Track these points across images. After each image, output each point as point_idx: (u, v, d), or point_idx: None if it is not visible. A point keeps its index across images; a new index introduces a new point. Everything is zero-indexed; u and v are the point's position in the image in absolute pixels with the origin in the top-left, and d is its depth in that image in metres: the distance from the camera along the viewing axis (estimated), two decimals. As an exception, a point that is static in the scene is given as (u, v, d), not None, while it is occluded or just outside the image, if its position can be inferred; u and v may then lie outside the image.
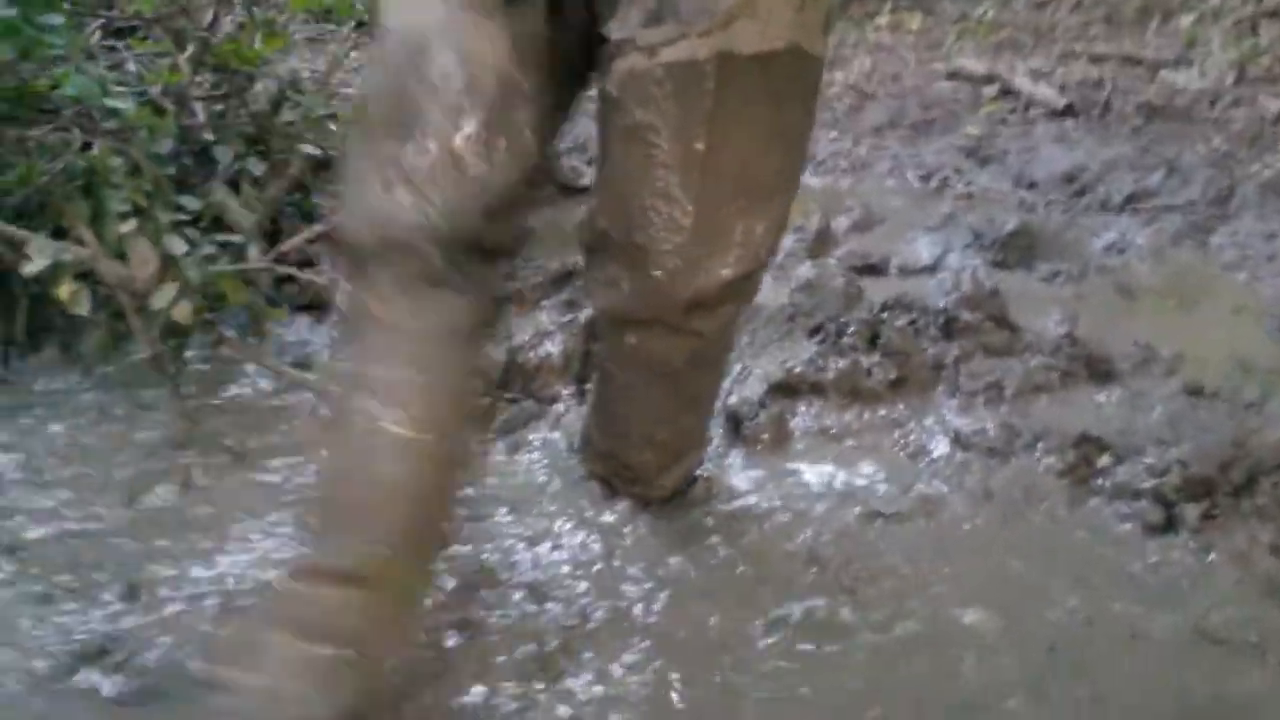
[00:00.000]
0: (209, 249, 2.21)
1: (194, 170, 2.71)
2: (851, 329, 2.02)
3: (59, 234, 1.97)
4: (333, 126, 3.00)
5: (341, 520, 1.23)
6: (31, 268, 1.78)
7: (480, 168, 1.16)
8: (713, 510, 1.65)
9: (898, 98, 3.90)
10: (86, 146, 2.12)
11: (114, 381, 2.10)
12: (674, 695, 1.28)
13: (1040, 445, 1.73)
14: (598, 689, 1.29)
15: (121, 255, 1.92)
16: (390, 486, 1.20)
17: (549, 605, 1.44)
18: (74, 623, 1.41)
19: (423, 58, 1.16)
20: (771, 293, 2.39)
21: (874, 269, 2.66)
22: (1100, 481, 1.65)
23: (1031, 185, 3.22)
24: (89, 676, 1.30)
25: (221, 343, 2.05)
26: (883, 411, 1.89)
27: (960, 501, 1.63)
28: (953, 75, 4.13)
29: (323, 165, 2.98)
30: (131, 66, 2.90)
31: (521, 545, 1.57)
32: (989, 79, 3.98)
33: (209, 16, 2.64)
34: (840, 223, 2.98)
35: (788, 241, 2.77)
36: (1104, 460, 1.69)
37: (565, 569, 1.51)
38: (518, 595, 1.46)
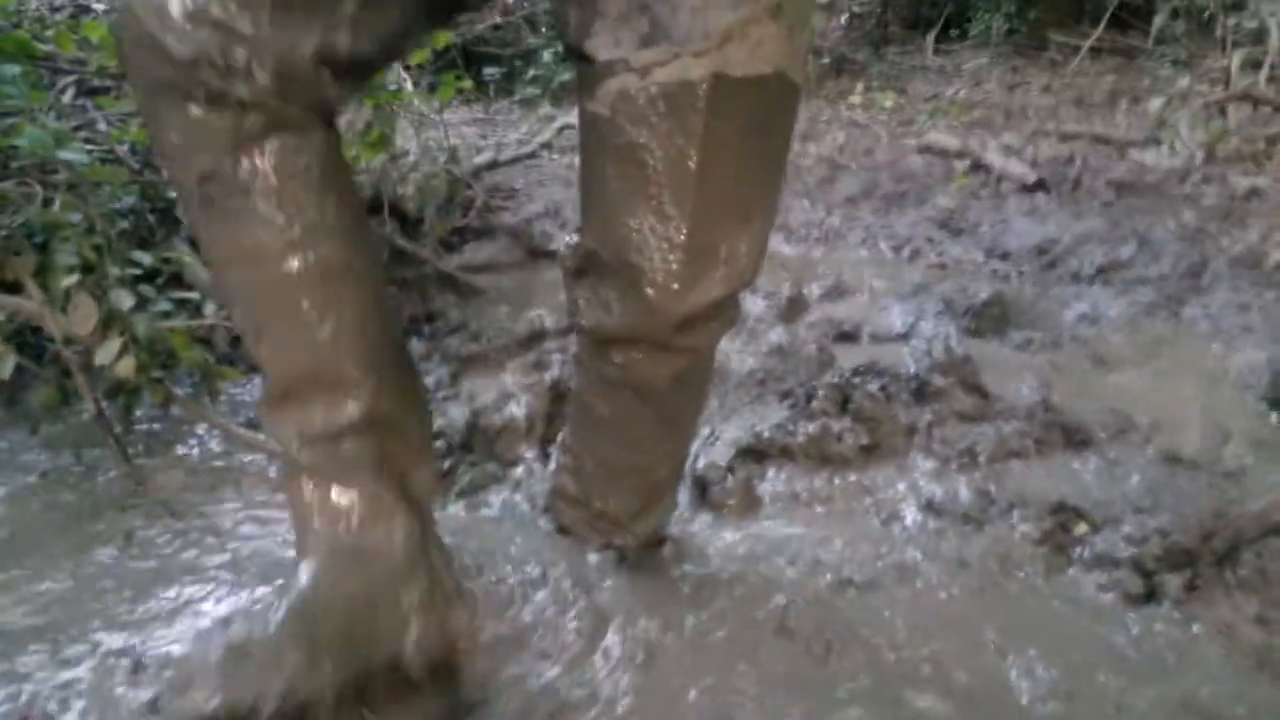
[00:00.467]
0: (164, 305, 2.16)
1: (156, 228, 2.67)
2: (822, 393, 1.97)
3: (10, 288, 1.92)
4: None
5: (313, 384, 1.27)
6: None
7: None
8: (681, 574, 1.58)
9: (870, 170, 3.91)
10: (49, 202, 2.07)
11: (61, 440, 2.02)
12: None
13: (1016, 512, 1.68)
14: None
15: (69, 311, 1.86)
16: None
17: (513, 674, 1.36)
18: (-8, 692, 1.32)
19: None
20: (741, 358, 2.35)
21: (846, 336, 2.63)
22: (1078, 550, 1.60)
23: (1004, 256, 3.21)
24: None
25: (171, 401, 1.97)
26: (853, 477, 1.83)
27: (934, 570, 1.56)
28: (925, 150, 4.16)
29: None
30: (102, 125, 2.87)
31: (483, 590, 1.49)
32: (961, 154, 4.00)
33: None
34: (812, 290, 2.96)
35: (759, 307, 2.75)
36: (1081, 528, 1.64)
37: (531, 636, 1.43)
38: (480, 665, 1.38)
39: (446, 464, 1.94)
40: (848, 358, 2.36)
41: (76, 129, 2.78)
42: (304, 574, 1.26)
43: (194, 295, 2.30)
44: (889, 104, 5.74)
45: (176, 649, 1.41)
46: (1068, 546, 1.61)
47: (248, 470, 1.92)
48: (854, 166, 4.05)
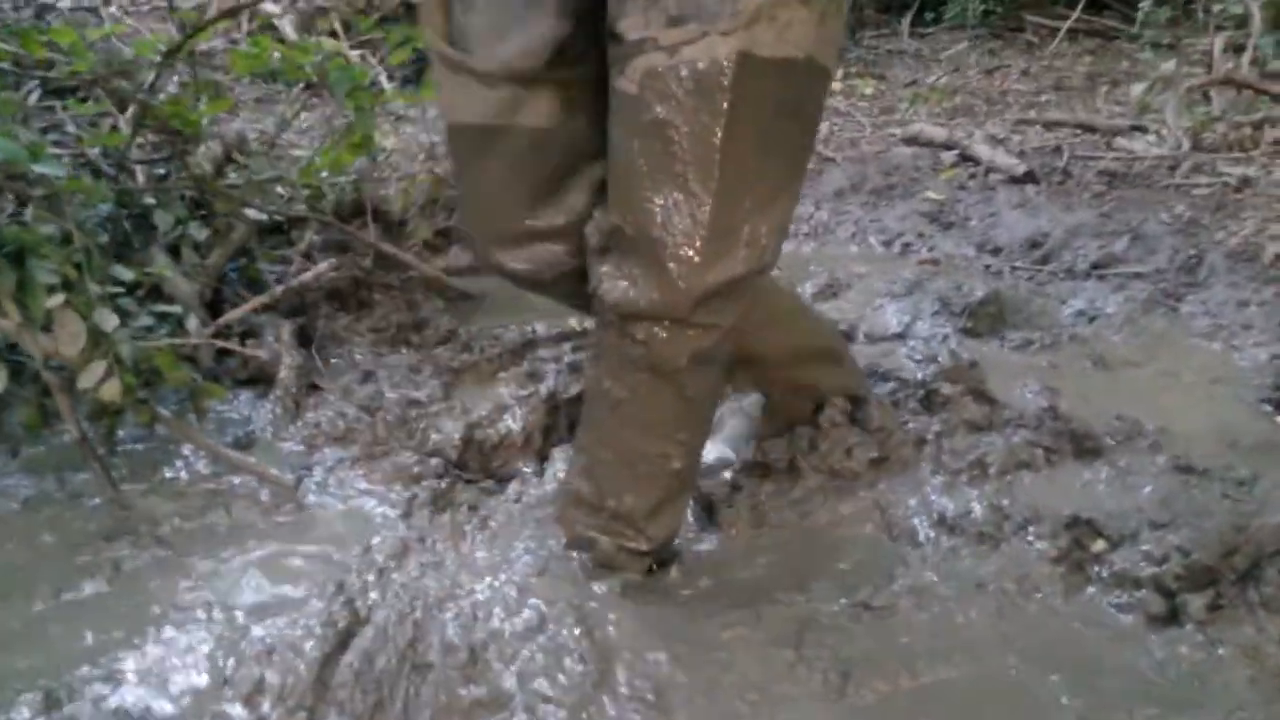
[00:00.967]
0: (145, 320, 2.09)
1: (133, 235, 2.59)
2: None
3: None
4: (280, 190, 2.90)
5: None
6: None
7: None
8: (689, 602, 1.54)
9: (857, 163, 3.86)
10: (19, 213, 1.99)
11: (43, 464, 1.95)
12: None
13: (1031, 529, 1.64)
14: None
15: (49, 329, 1.79)
16: None
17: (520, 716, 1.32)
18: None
19: None
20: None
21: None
22: (1096, 569, 1.56)
23: (995, 251, 3.18)
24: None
25: (156, 422, 1.91)
26: (863, 492, 1.80)
27: (950, 592, 1.53)
28: (911, 141, 4.12)
29: (269, 230, 2.87)
30: (70, 128, 2.78)
31: (490, 642, 1.44)
32: (948, 145, 3.97)
33: (150, 77, 2.52)
34: (806, 289, 2.92)
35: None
36: (1098, 545, 1.61)
37: (539, 669, 1.39)
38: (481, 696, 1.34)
39: (442, 483, 1.89)
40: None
41: (44, 131, 2.69)
42: None
43: (175, 309, 2.23)
44: (869, 91, 5.69)
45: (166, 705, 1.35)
46: (1085, 564, 1.58)
47: (237, 493, 1.86)
48: (840, 159, 4.01)
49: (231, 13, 3.00)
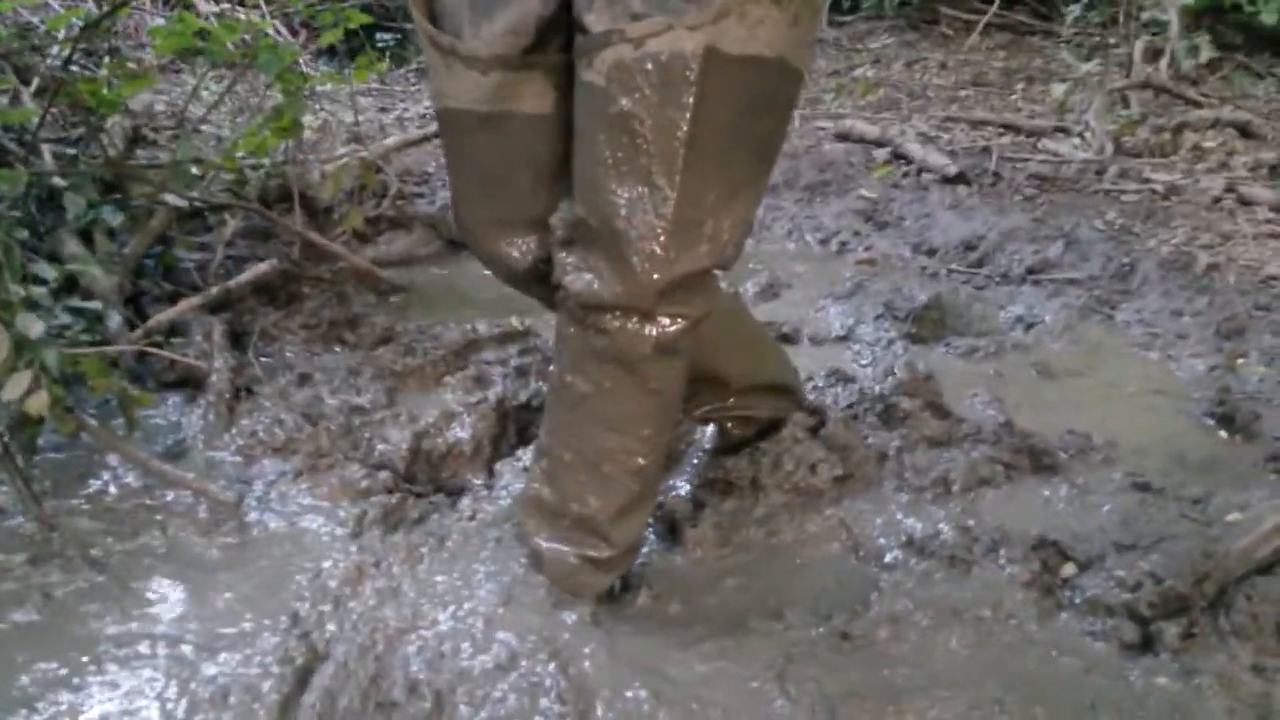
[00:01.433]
0: (63, 318, 1.95)
1: (40, 219, 2.42)
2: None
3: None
4: (196, 171, 2.74)
5: None
6: None
7: None
8: (665, 628, 1.49)
9: (791, 158, 3.84)
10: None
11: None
12: None
13: (1001, 552, 1.63)
14: None
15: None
16: None
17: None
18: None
19: None
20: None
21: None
22: (1068, 594, 1.56)
23: (931, 252, 3.20)
24: None
25: (83, 431, 1.78)
26: (828, 510, 1.77)
27: (928, 620, 1.50)
28: (842, 137, 4.12)
29: (189, 215, 2.72)
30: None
31: (457, 683, 1.37)
32: (879, 143, 3.98)
33: (65, 52, 2.35)
34: (747, 289, 2.89)
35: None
36: (1068, 569, 1.61)
37: (513, 711, 1.33)
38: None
39: (392, 498, 1.80)
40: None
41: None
42: None
43: (93, 305, 2.09)
44: (793, 80, 5.68)
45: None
46: (1055, 589, 1.58)
47: (173, 509, 1.75)
48: (773, 152, 3.98)
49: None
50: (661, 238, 1.30)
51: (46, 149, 2.56)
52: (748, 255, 3.19)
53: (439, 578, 1.58)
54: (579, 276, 1.39)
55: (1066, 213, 3.24)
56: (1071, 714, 1.35)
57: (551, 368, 1.56)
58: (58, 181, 2.40)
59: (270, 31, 2.87)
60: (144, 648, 1.44)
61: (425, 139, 3.61)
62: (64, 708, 1.33)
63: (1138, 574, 1.55)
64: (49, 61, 2.58)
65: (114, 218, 2.43)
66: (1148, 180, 3.42)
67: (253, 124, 2.80)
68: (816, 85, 5.59)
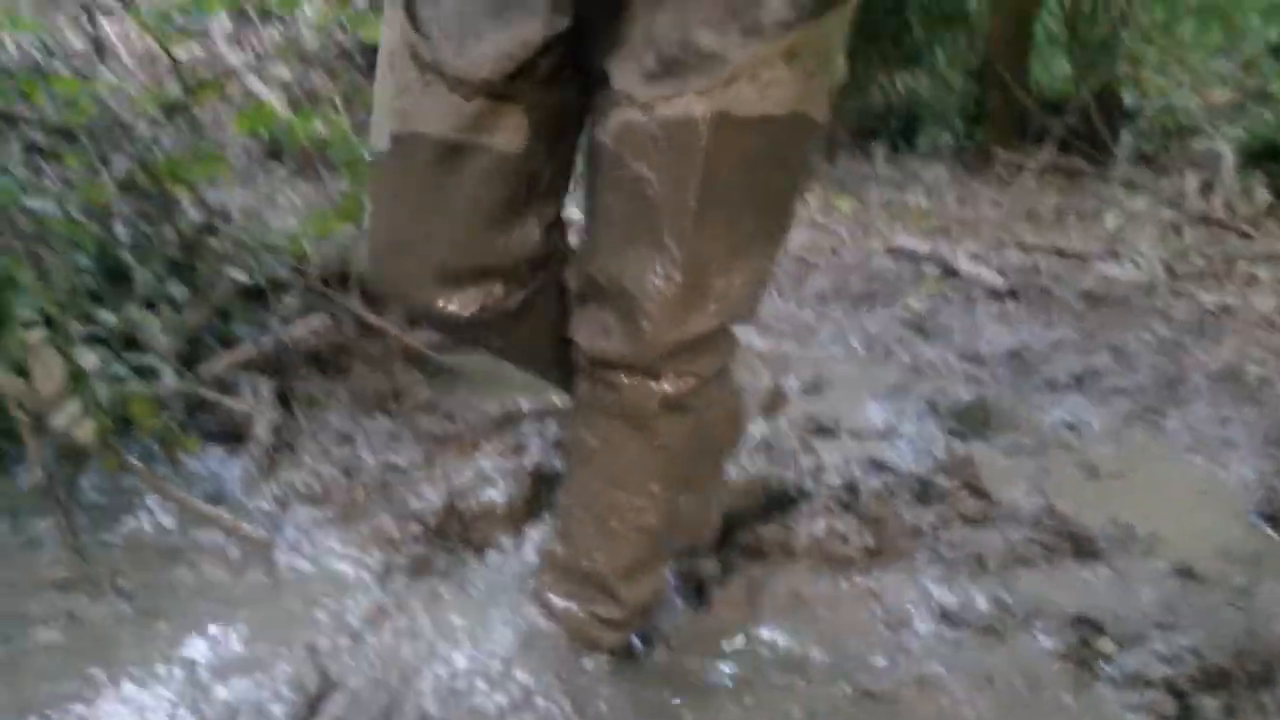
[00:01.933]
0: (119, 370, 2.01)
1: (108, 289, 2.52)
2: (825, 491, 1.88)
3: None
4: (266, 254, 2.83)
5: None
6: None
7: None
8: (685, 681, 1.46)
9: (839, 270, 3.89)
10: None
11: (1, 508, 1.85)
12: None
13: (1037, 624, 1.59)
14: None
15: (20, 368, 1.71)
16: None
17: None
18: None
19: None
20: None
21: (825, 431, 2.56)
22: (1105, 667, 1.51)
23: (976, 360, 3.18)
24: None
25: (123, 469, 1.82)
26: (858, 578, 1.74)
27: (957, 684, 1.46)
28: (892, 252, 4.17)
29: (249, 294, 2.81)
30: (49, 182, 2.73)
31: (463, 709, 1.35)
32: (929, 258, 4.02)
33: (147, 133, 2.49)
34: (790, 384, 2.89)
35: (741, 400, 2.67)
36: (1106, 645, 1.56)
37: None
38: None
39: (421, 549, 1.80)
40: (830, 454, 2.28)
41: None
42: None
43: (150, 361, 2.15)
44: (846, 209, 5.78)
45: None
46: (1092, 662, 1.53)
47: (204, 549, 1.76)
48: (823, 265, 4.04)
49: (232, 74, 2.99)
50: (670, 300, 1.29)
51: (121, 226, 2.68)
52: (791, 355, 3.21)
53: (459, 620, 1.57)
54: (590, 332, 1.39)
55: (1116, 327, 3.23)
56: (1105, 781, 1.30)
57: (569, 421, 1.55)
58: (126, 258, 2.51)
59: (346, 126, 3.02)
60: (160, 669, 1.44)
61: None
62: (72, 706, 1.33)
63: (1177, 649, 1.50)
64: (133, 141, 2.73)
65: (178, 290, 2.53)
66: (1198, 300, 3.40)
67: (318, 210, 2.92)
68: (869, 212, 5.68)
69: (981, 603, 1.64)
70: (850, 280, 3.80)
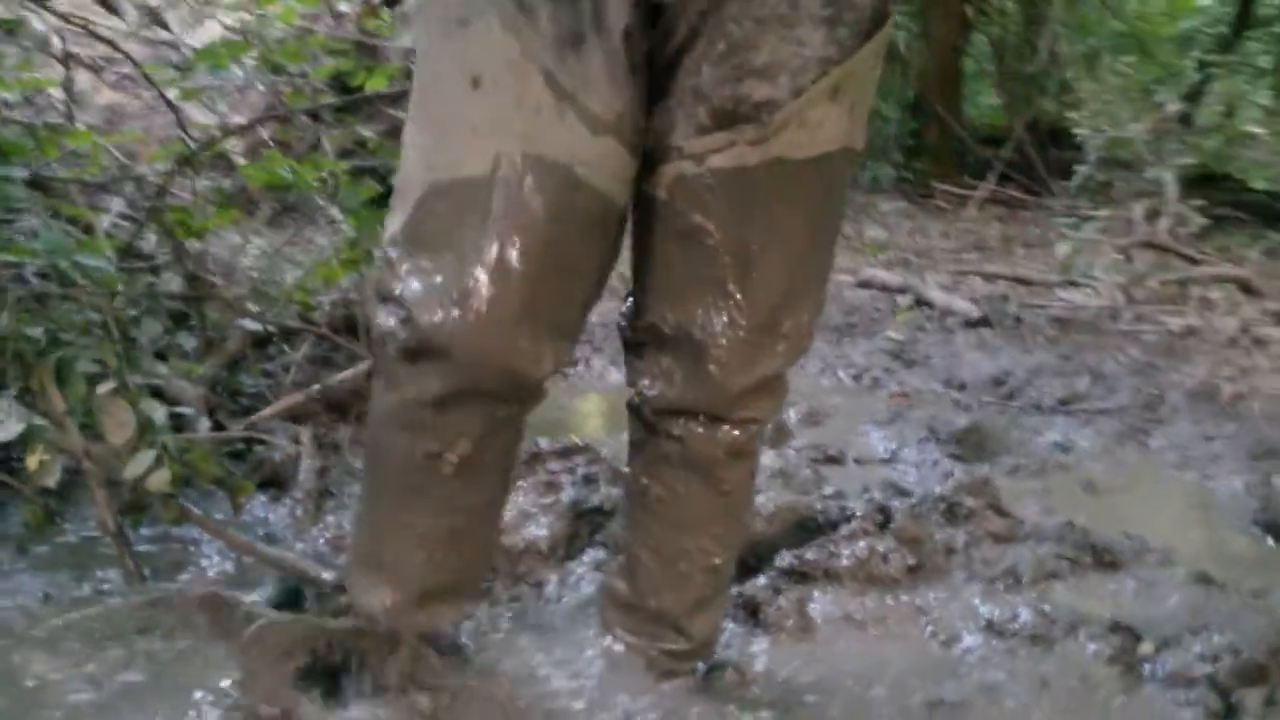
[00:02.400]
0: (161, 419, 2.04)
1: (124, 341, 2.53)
2: (860, 513, 1.97)
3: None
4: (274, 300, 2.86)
5: None
6: (2, 434, 1.59)
7: None
8: (764, 700, 1.53)
9: (817, 303, 4.01)
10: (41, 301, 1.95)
11: (54, 562, 1.86)
12: None
13: (1081, 631, 1.70)
14: None
15: (85, 421, 1.74)
16: None
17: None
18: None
19: None
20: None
21: (832, 459, 2.66)
22: (1151, 668, 1.62)
23: (961, 387, 3.32)
24: None
25: (185, 520, 1.85)
26: (904, 597, 1.83)
27: (1019, 689, 1.56)
28: (865, 284, 4.31)
29: (261, 342, 2.85)
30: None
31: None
32: (902, 289, 4.16)
33: (161, 183, 2.52)
34: (790, 416, 2.99)
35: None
36: (1145, 648, 1.66)
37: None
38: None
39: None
40: (845, 480, 2.38)
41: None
42: None
43: (184, 410, 2.18)
44: (805, 243, 5.94)
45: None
46: (1137, 665, 1.63)
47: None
48: (800, 299, 4.16)
49: (246, 128, 3.03)
50: (739, 344, 1.30)
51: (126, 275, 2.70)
52: (787, 387, 3.31)
53: (541, 647, 1.63)
54: (652, 382, 1.39)
55: (1090, 351, 3.40)
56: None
57: (625, 467, 1.57)
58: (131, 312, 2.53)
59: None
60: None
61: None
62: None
63: (1215, 648, 1.61)
64: (144, 192, 2.75)
65: (187, 342, 2.55)
66: (1162, 323, 3.59)
67: (323, 257, 2.96)
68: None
69: (1024, 614, 1.74)
70: (829, 312, 3.92)
